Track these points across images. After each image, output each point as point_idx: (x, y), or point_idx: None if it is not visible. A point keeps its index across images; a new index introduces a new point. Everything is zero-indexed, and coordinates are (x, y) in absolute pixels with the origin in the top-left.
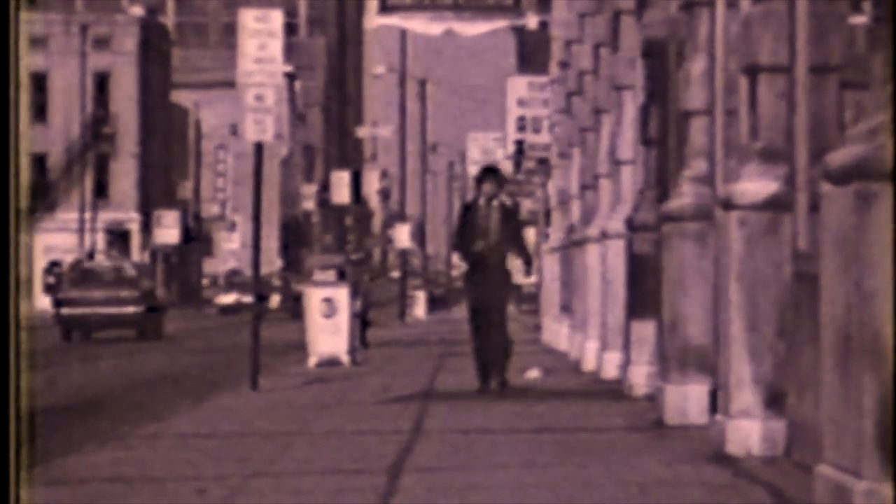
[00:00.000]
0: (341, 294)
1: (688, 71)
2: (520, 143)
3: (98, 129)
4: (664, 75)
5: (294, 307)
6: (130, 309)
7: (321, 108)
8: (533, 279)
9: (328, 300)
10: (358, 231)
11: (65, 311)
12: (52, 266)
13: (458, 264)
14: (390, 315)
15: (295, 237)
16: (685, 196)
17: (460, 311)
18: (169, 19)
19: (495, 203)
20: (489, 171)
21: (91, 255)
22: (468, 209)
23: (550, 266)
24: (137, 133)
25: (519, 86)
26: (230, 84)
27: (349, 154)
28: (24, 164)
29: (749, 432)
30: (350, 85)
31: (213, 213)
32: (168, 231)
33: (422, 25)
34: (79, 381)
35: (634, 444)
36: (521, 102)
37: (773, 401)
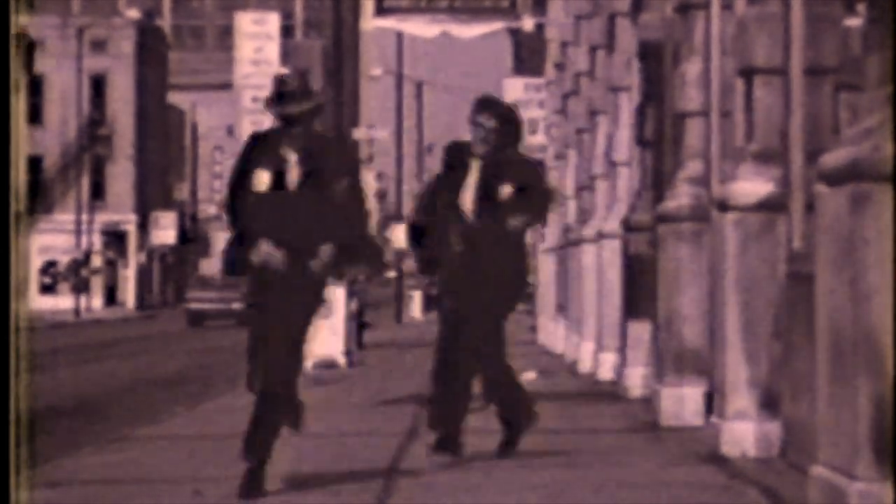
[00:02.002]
0: (337, 295)
1: (683, 73)
2: None
3: (94, 131)
4: (660, 77)
5: None
6: (235, 305)
7: None
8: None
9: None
10: None
11: (191, 306)
12: (48, 266)
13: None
14: (386, 316)
15: None
16: (681, 197)
17: None
18: (165, 22)
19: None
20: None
21: (87, 257)
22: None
23: (546, 266)
24: (134, 135)
25: (515, 87)
26: (227, 86)
27: None
28: (21, 165)
29: (744, 434)
30: (347, 87)
31: (210, 214)
32: (165, 232)
33: (418, 28)
34: (74, 384)
35: (630, 445)
36: (517, 104)
37: (769, 402)
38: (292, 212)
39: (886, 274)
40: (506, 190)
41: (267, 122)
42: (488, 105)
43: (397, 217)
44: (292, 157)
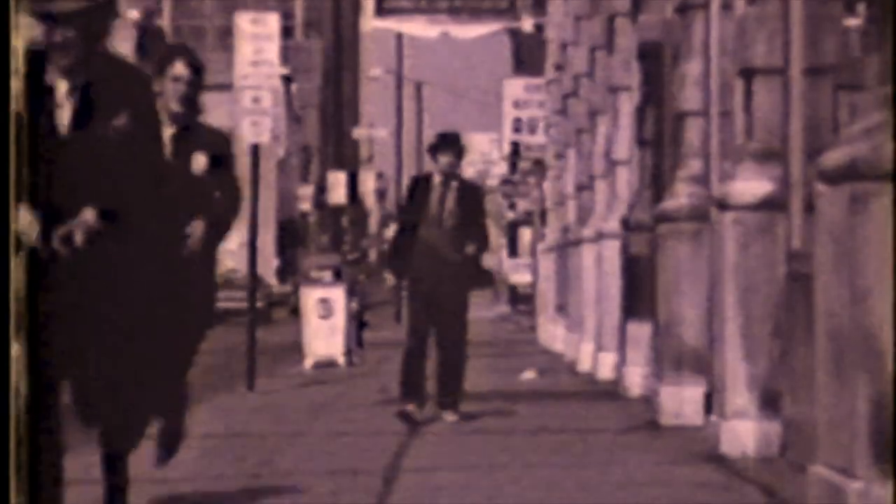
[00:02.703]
0: (337, 294)
1: (683, 73)
2: (516, 145)
3: None
4: (659, 77)
5: None
6: (258, 304)
7: (318, 109)
8: (528, 278)
9: (324, 301)
10: (354, 232)
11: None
12: None
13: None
14: (386, 316)
15: (291, 238)
16: (680, 196)
17: None
18: (165, 22)
19: (454, 182)
20: (447, 139)
21: None
22: (418, 185)
23: (546, 266)
24: None
25: (515, 87)
26: (227, 86)
27: (346, 155)
28: (21, 164)
29: (744, 433)
30: (346, 87)
31: None
32: None
33: (418, 28)
34: None
35: (629, 444)
36: (517, 104)
37: (768, 401)
38: (62, 164)
39: (886, 273)
40: (200, 160)
41: (265, 122)
42: (183, 52)
43: (397, 217)
44: (61, 85)
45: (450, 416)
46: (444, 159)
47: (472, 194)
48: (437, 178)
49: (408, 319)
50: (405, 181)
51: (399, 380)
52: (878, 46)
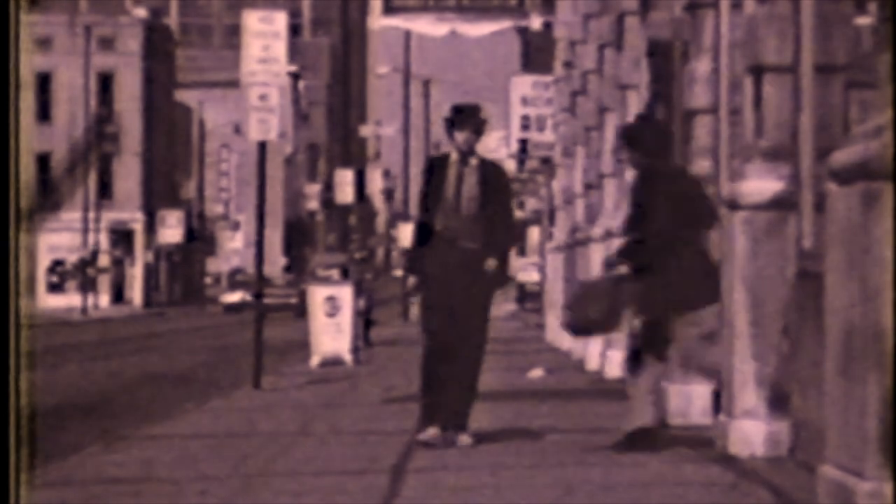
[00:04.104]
0: (345, 293)
1: (692, 70)
2: (524, 142)
3: (102, 128)
4: (668, 75)
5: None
6: (291, 300)
7: (325, 107)
8: (536, 277)
9: (331, 299)
10: (361, 230)
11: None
12: (56, 265)
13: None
14: (393, 314)
15: (298, 236)
16: None
17: None
18: (173, 20)
19: (473, 161)
20: (465, 112)
21: (94, 255)
22: (434, 167)
23: (554, 265)
24: (141, 132)
25: (523, 85)
26: (234, 84)
27: (353, 153)
28: (28, 163)
29: (752, 433)
30: (354, 85)
31: (217, 213)
32: (171, 230)
33: (426, 26)
34: (82, 382)
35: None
36: (526, 101)
37: (777, 401)
38: None
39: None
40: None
41: (273, 120)
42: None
43: (404, 216)
44: None
45: (465, 440)
46: (462, 136)
47: (494, 174)
48: (454, 157)
49: (425, 326)
50: (412, 179)
51: (420, 401)
52: (887, 45)
